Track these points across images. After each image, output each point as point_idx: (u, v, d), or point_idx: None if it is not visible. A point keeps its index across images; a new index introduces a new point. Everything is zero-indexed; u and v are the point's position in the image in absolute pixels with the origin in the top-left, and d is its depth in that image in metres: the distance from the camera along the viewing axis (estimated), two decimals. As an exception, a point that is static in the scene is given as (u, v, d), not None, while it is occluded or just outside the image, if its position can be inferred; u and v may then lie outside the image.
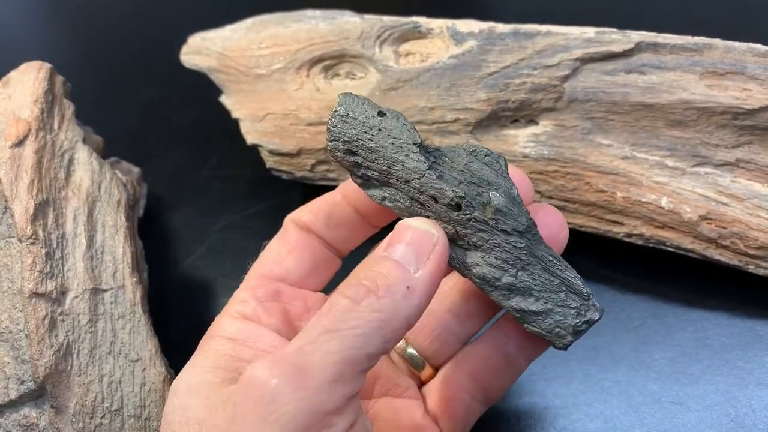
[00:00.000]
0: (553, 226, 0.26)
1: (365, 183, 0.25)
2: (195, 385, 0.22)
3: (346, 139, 0.25)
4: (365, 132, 0.25)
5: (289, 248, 0.27)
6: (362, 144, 0.25)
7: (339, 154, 0.25)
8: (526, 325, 0.25)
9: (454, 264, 0.25)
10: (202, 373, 0.22)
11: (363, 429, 0.21)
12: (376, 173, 0.25)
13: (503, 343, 0.27)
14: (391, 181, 0.25)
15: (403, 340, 0.28)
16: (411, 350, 0.28)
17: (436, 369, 0.28)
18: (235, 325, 0.24)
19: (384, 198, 0.25)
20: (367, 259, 0.23)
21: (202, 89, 0.44)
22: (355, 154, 0.25)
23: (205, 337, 0.25)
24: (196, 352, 0.24)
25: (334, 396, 0.20)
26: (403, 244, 0.22)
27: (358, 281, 0.21)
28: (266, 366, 0.20)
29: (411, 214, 0.25)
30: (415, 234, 0.23)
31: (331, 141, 0.25)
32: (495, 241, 0.24)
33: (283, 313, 0.25)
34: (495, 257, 0.24)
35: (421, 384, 0.29)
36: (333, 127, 0.25)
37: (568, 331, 0.25)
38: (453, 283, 0.29)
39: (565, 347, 0.25)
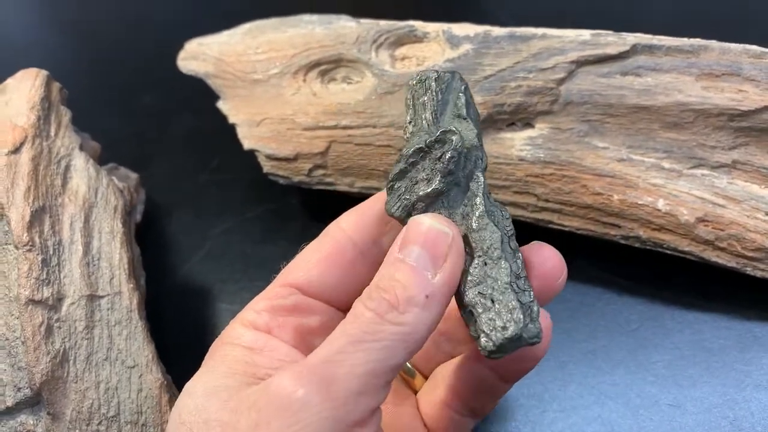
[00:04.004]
0: (548, 263, 0.24)
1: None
2: (213, 388, 0.22)
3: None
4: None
5: (319, 256, 0.25)
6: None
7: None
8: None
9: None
10: (220, 377, 0.22)
11: None
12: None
13: (479, 367, 0.26)
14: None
15: None
16: (407, 363, 0.28)
17: (426, 377, 0.28)
18: (249, 334, 0.24)
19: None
20: (384, 263, 0.22)
21: (200, 95, 0.44)
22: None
23: (217, 341, 0.24)
24: (210, 356, 0.24)
25: (360, 407, 0.20)
26: (418, 246, 0.22)
27: (379, 293, 0.21)
28: (293, 376, 0.20)
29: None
30: (430, 234, 0.22)
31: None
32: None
33: (296, 328, 0.24)
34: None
35: (414, 392, 0.28)
36: None
37: None
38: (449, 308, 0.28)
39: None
